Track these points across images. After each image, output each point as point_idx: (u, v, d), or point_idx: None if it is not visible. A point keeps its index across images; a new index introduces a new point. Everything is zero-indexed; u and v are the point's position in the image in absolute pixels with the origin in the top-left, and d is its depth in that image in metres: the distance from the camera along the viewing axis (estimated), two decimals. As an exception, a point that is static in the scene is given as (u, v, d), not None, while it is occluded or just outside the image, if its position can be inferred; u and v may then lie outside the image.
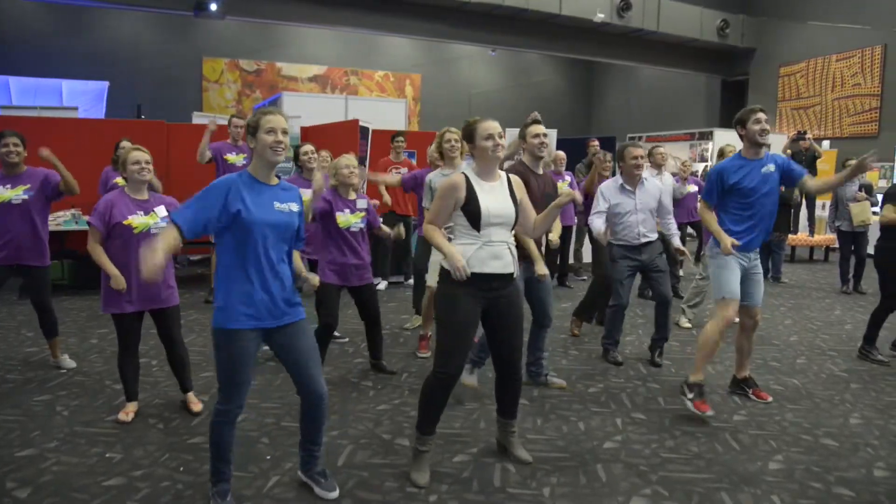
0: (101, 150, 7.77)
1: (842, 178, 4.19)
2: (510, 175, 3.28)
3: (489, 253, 3.09)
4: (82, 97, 13.57)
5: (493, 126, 3.15)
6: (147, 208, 3.80)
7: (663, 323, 5.14)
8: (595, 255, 6.20)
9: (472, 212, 3.09)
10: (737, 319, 4.41)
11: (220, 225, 2.70)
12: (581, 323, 6.08)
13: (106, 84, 14.12)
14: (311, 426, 3.00)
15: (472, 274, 3.06)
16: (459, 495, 3.06)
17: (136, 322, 3.88)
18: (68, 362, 4.82)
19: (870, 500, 3.10)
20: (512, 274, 3.17)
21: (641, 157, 4.94)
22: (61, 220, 7.29)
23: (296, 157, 5.42)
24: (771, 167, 4.10)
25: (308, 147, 5.39)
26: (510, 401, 3.43)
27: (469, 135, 3.23)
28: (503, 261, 3.12)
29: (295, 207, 2.86)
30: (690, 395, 4.07)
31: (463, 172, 3.19)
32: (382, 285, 8.07)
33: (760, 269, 4.28)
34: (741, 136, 4.14)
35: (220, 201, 2.67)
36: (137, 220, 3.74)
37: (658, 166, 7.36)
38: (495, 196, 3.13)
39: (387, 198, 7.22)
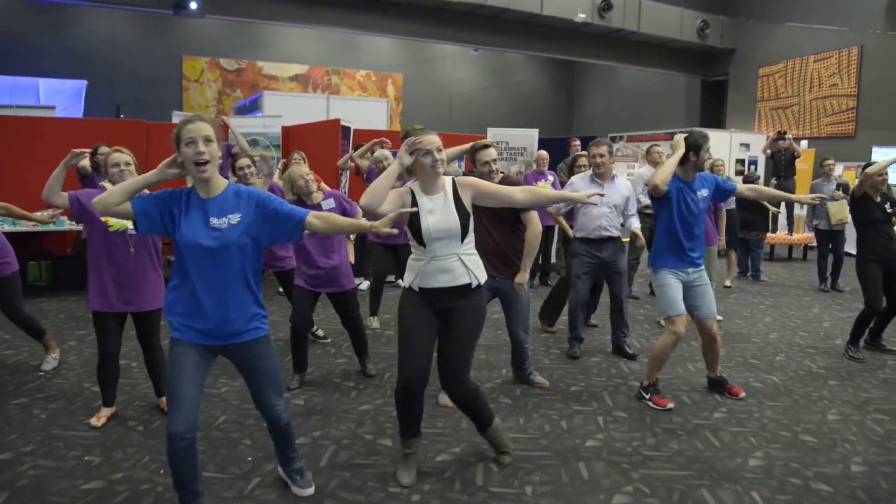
0: (79, 150, 7.69)
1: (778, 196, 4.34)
2: (457, 179, 3.16)
3: (437, 268, 3.05)
4: (60, 96, 13.39)
5: (430, 141, 3.03)
6: None
7: (618, 321, 5.37)
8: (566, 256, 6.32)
9: (414, 228, 3.05)
10: (719, 317, 4.46)
11: (163, 231, 2.61)
12: (552, 322, 6.15)
13: (84, 83, 13.93)
14: (279, 441, 2.99)
15: (422, 289, 3.08)
16: (442, 495, 3.06)
17: (116, 324, 3.81)
18: (49, 363, 4.75)
19: (847, 494, 3.14)
20: (468, 285, 3.09)
21: (600, 156, 5.09)
22: (38, 220, 7.19)
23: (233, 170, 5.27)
24: (705, 192, 4.25)
25: (244, 161, 5.20)
26: (473, 416, 3.33)
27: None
28: (452, 274, 3.06)
29: (235, 219, 2.58)
30: (647, 396, 4.29)
31: (410, 187, 3.13)
32: (364, 285, 8.05)
33: (706, 280, 4.31)
34: (685, 159, 4.17)
35: (160, 210, 2.58)
36: (114, 218, 3.69)
37: (655, 164, 7.45)
38: (437, 210, 3.05)
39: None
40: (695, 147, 4.14)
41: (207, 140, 2.52)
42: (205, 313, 2.59)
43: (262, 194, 2.67)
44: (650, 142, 14.16)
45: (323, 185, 5.29)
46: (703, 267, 4.32)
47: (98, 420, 3.76)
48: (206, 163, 2.53)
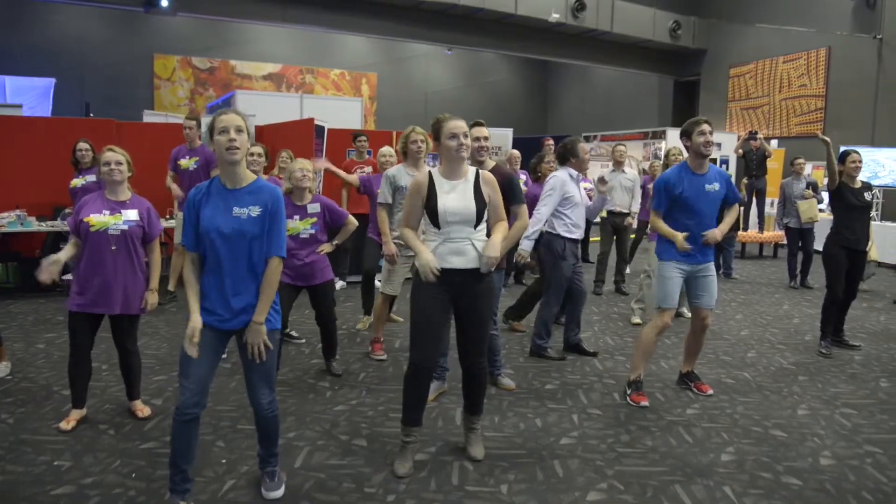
0: (47, 150, 7.55)
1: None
2: (482, 172, 3.28)
3: (450, 249, 3.14)
4: (27, 94, 13.15)
5: (458, 126, 3.15)
6: (116, 209, 3.72)
7: (577, 317, 5.37)
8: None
9: (431, 209, 3.15)
10: (688, 314, 4.51)
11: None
12: (520, 319, 6.13)
13: (52, 81, 13.71)
14: (260, 435, 3.03)
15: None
16: (417, 494, 3.06)
17: (89, 324, 3.76)
18: (1, 371, 4.62)
19: (816, 487, 3.19)
20: (478, 269, 3.19)
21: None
22: (6, 221, 7.06)
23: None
24: (716, 185, 4.24)
25: (256, 149, 5.25)
26: (473, 397, 3.44)
27: (436, 133, 3.28)
28: (465, 257, 3.16)
29: (256, 211, 2.76)
30: (629, 391, 4.34)
31: (429, 171, 3.24)
32: (339, 285, 8.02)
33: (711, 272, 4.35)
34: (686, 148, 4.26)
35: (193, 217, 2.79)
36: (97, 218, 3.65)
37: (618, 164, 7.62)
38: (456, 194, 3.16)
39: (344, 176, 6.78)
40: (685, 133, 4.21)
41: (238, 130, 2.73)
42: (217, 298, 2.78)
43: (280, 200, 2.85)
44: (625, 142, 14.31)
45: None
46: (711, 260, 4.35)
47: (68, 424, 3.70)
48: (237, 149, 2.71)
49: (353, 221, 4.72)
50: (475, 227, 3.18)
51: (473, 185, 3.20)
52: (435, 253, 3.15)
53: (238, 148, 2.72)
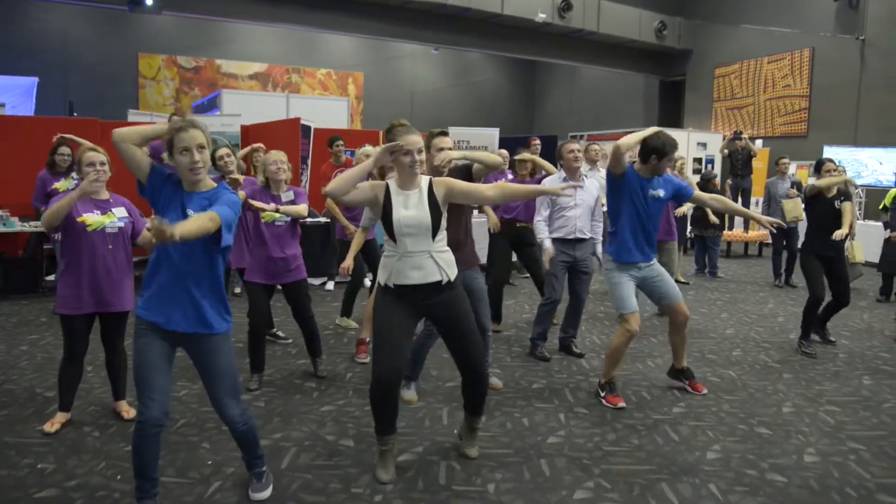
0: (30, 149, 7.48)
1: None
2: (434, 179, 3.21)
3: (408, 264, 3.11)
4: (9, 93, 12.99)
5: (412, 142, 3.09)
6: (105, 208, 3.71)
7: (573, 321, 5.36)
8: (491, 255, 6.18)
9: (386, 221, 3.12)
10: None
11: (148, 181, 2.74)
12: (497, 321, 6.05)
13: (35, 80, 13.56)
14: (239, 445, 3.01)
15: (396, 286, 3.13)
16: (405, 494, 3.06)
17: (85, 326, 3.74)
18: None
19: (800, 484, 3.22)
20: (439, 282, 3.14)
21: (578, 151, 5.08)
22: (-12, 221, 6.98)
23: (213, 160, 5.29)
24: (660, 192, 4.25)
25: (223, 150, 5.22)
26: (474, 401, 3.41)
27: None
28: (424, 271, 3.11)
29: None
30: (603, 393, 4.32)
31: (386, 183, 3.17)
32: (330, 285, 8.00)
33: (660, 270, 4.35)
34: (645, 160, 4.22)
35: (157, 173, 2.72)
36: (92, 217, 3.63)
37: (592, 162, 7.59)
38: (410, 205, 3.10)
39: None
40: (659, 152, 4.12)
41: (200, 147, 2.65)
42: (163, 292, 2.69)
43: (224, 199, 2.68)
44: (611, 141, 14.36)
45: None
46: (654, 260, 4.36)
47: (52, 426, 3.66)
48: (200, 168, 2.67)
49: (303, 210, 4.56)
50: (433, 238, 3.11)
51: (428, 194, 3.12)
52: (393, 269, 3.12)
53: (201, 167, 2.67)
